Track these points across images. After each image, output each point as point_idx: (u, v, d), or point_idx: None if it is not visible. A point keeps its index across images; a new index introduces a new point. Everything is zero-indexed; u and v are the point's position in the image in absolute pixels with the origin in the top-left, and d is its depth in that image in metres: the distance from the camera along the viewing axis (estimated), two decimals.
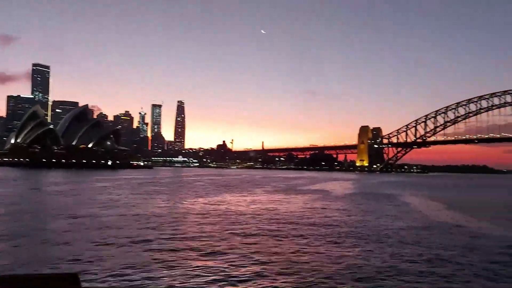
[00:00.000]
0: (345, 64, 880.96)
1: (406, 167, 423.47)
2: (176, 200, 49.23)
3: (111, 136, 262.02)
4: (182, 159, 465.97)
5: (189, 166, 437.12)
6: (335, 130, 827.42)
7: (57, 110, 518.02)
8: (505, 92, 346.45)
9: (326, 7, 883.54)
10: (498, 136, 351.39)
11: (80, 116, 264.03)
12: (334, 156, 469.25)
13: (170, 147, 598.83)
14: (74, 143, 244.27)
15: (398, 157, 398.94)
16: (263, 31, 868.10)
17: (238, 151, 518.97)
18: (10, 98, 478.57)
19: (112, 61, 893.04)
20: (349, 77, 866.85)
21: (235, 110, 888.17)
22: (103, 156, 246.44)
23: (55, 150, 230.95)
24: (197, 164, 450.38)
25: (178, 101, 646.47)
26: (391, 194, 71.56)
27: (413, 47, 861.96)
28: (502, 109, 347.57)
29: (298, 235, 25.81)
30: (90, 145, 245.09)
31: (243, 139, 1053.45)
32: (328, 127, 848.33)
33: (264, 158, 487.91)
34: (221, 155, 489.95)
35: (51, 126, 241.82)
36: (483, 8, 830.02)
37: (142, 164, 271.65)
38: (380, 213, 40.38)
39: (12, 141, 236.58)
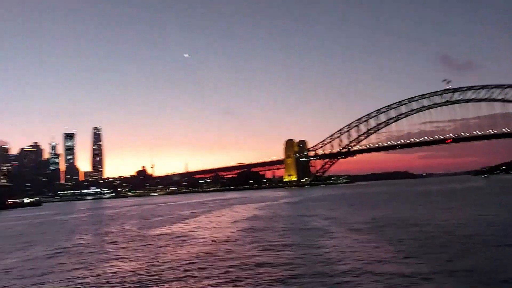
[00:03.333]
0: (262, 81, 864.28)
1: (334, 178, 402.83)
2: None
3: None
4: (94, 190, 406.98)
5: (102, 198, 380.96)
6: (261, 147, 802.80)
7: None
8: (422, 96, 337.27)
9: (242, 22, 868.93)
10: (419, 140, 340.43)
11: None
12: (262, 173, 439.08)
13: (88, 178, 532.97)
14: None
15: (326, 169, 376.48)
16: (186, 55, 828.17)
17: (160, 176, 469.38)
18: None
19: (16, 89, 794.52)
20: (268, 93, 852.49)
21: (156, 134, 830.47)
22: None
23: None
24: (112, 195, 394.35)
25: (94, 128, 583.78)
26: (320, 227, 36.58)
27: (323, 58, 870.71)
28: (421, 113, 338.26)
29: None
30: None
31: (166, 163, 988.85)
32: (253, 144, 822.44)
33: (189, 181, 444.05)
34: (141, 182, 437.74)
35: None
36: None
37: (28, 201, 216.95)
38: None
39: None
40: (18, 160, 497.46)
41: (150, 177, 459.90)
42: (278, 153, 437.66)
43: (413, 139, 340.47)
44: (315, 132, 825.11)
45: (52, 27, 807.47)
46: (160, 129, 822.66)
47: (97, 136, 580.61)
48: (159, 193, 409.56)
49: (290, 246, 28.59)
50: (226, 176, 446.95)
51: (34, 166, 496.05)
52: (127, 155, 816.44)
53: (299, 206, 75.40)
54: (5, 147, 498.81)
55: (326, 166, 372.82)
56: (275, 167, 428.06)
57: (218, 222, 50.86)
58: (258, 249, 28.46)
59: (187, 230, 42.50)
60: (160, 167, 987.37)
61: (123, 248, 32.61)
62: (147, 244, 33.67)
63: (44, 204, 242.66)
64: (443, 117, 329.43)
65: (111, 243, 36.36)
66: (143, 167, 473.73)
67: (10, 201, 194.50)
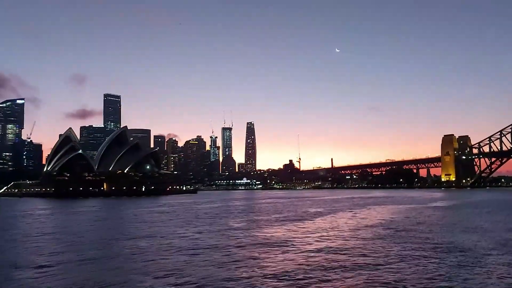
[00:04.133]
0: (407, 76, 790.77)
1: (503, 180, 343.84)
2: None
3: (151, 159, 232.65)
4: (246, 181, 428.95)
5: (253, 189, 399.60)
6: (414, 143, 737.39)
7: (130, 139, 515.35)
8: None
9: (386, 21, 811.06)
10: None
11: (119, 139, 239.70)
12: (414, 171, 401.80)
13: (242, 169, 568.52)
14: (111, 168, 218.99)
15: (493, 169, 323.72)
16: (337, 50, 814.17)
17: (306, 171, 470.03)
18: (82, 129, 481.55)
19: (182, 89, 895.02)
20: (420, 85, 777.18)
21: (304, 129, 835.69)
22: (141, 182, 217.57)
23: (87, 178, 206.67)
24: (260, 186, 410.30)
25: (248, 123, 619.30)
26: None
27: (491, 47, 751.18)
28: None
29: None
30: (126, 170, 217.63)
31: (314, 158, 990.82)
32: (405, 140, 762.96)
33: (334, 177, 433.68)
34: (288, 176, 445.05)
35: (80, 151, 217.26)
36: None
37: (185, 188, 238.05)
38: None
39: (45, 169, 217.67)
40: (184, 151, 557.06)
41: (296, 171, 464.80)
42: (434, 151, 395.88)
43: None
44: (480, 127, 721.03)
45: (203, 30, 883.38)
46: (309, 124, 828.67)
47: (250, 130, 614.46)
48: (304, 187, 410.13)
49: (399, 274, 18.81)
50: (374, 173, 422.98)
51: (196, 157, 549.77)
52: (277, 149, 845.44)
53: (451, 213, 60.71)
54: (174, 140, 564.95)
55: (493, 166, 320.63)
56: (430, 165, 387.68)
57: (333, 227, 42.13)
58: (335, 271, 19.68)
59: (285, 236, 35.13)
60: (307, 162, 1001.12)
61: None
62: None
63: (200, 192, 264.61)
64: None
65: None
66: (290, 161, 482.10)
67: (169, 187, 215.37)
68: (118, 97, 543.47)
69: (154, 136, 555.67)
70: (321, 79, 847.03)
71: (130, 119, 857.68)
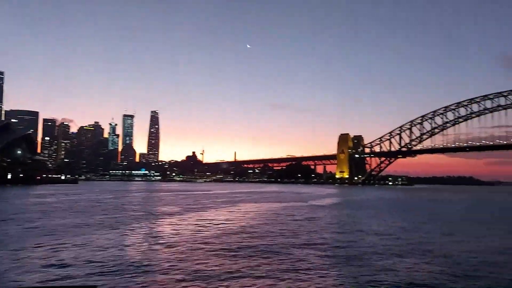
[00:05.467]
0: (313, 74, 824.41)
1: (390, 178, 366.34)
2: None
3: (23, 143, 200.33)
4: (143, 172, 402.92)
5: (150, 180, 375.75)
6: (315, 141, 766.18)
7: (13, 120, 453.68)
8: (499, 94, 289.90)
9: (294, 19, 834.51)
10: (492, 143, 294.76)
11: None
12: (312, 167, 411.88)
13: (143, 159, 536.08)
14: None
15: (382, 168, 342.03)
16: (248, 46, 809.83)
17: (210, 163, 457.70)
18: None
19: (81, 71, 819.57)
20: (322, 86, 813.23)
21: (209, 121, 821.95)
22: (10, 168, 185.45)
23: None
24: (159, 178, 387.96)
25: (152, 111, 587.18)
26: None
27: (391, 52, 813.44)
28: (495, 113, 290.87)
29: None
30: None
31: (217, 151, 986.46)
32: (306, 138, 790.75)
33: (237, 170, 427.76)
34: (190, 168, 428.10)
35: None
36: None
37: (64, 178, 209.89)
38: None
39: None
40: (77, 138, 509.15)
41: (199, 163, 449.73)
42: (332, 149, 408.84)
43: (484, 142, 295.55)
44: (373, 128, 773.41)
45: (113, 11, 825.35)
46: (215, 118, 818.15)
47: (154, 119, 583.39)
48: (205, 179, 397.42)
49: None
50: (275, 168, 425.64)
51: (92, 145, 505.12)
52: (182, 141, 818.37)
53: (321, 215, 51.22)
54: (66, 124, 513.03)
55: (382, 165, 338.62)
56: (326, 162, 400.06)
57: (156, 235, 29.04)
58: None
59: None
60: (211, 155, 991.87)
61: None
62: None
63: (89, 183, 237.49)
64: None
65: None
66: (193, 152, 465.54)
67: (40, 176, 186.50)
68: (1, 73, 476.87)
69: (44, 119, 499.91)
70: (230, 73, 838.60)
71: (17, 99, 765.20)
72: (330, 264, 20.24)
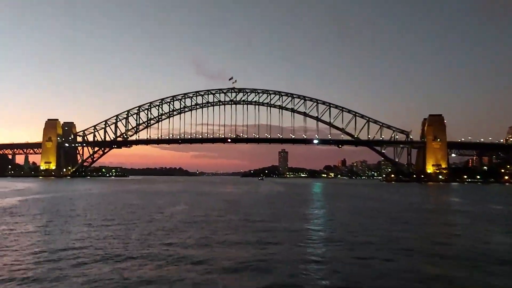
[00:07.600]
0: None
1: (104, 170, 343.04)
2: None
3: None
4: None
5: None
6: (13, 126, 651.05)
7: None
8: (208, 92, 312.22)
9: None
10: (200, 137, 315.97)
11: None
12: (10, 157, 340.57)
13: None
14: None
15: (95, 159, 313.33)
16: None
17: None
18: None
19: None
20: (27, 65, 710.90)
21: None
22: None
23: None
24: None
25: None
26: None
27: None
28: (204, 109, 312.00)
29: None
30: None
31: None
32: (12, 123, 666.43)
33: None
34: None
35: None
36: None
37: None
38: None
39: None
40: None
41: None
42: (36, 136, 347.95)
43: (194, 136, 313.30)
44: (87, 116, 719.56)
45: None
46: None
47: None
48: None
49: None
50: None
51: None
52: None
53: None
54: None
55: (96, 155, 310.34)
56: (29, 151, 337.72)
57: None
58: None
59: None
60: None
61: None
62: None
63: None
64: (225, 116, 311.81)
65: None
66: None
67: None
68: None
69: None
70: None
71: None
72: None
